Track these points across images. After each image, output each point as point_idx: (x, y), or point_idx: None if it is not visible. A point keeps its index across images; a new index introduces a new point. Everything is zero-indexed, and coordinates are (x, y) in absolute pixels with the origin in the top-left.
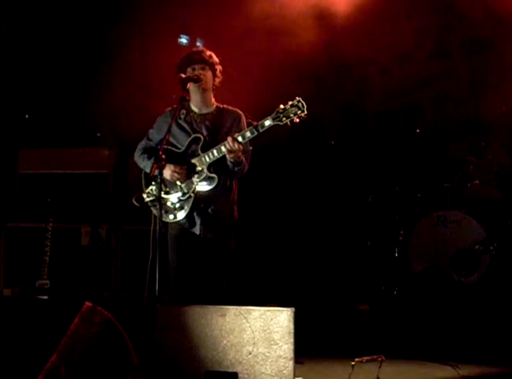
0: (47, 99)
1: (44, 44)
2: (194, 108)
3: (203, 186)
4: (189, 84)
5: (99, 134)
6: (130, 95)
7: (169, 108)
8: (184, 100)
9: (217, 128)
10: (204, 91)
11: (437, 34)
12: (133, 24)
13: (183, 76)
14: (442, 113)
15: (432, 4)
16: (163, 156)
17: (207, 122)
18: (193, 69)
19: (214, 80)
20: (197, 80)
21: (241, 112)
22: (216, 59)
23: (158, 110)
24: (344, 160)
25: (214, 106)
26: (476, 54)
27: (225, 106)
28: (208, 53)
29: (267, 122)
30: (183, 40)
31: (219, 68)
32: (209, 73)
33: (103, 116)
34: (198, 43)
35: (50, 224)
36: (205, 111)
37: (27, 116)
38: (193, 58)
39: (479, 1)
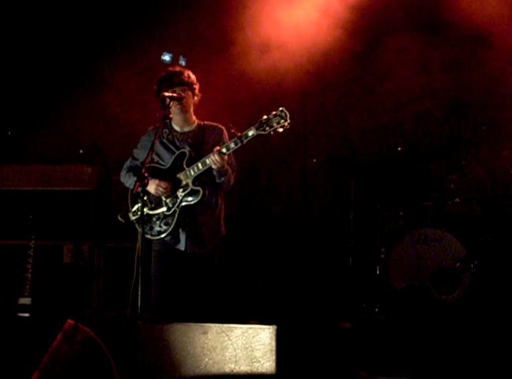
0: (30, 116)
1: (26, 61)
2: (176, 127)
3: (188, 200)
4: (171, 103)
5: (81, 151)
6: (113, 112)
7: (151, 127)
8: (167, 119)
9: (200, 145)
10: (185, 111)
11: (418, 52)
12: (116, 41)
13: (167, 94)
14: (424, 131)
15: (414, 23)
16: (146, 174)
17: (189, 140)
18: (174, 92)
19: (193, 100)
20: (180, 98)
21: (222, 126)
22: (193, 78)
23: (141, 127)
24: (326, 178)
25: (195, 123)
26: (457, 73)
27: (206, 122)
28: (186, 73)
29: (250, 132)
30: (166, 57)
31: (197, 87)
32: (189, 93)
33: (86, 133)
34: (181, 61)
35: (32, 241)
36: (186, 129)
37: (9, 133)
38: (173, 81)
39: (460, 20)
